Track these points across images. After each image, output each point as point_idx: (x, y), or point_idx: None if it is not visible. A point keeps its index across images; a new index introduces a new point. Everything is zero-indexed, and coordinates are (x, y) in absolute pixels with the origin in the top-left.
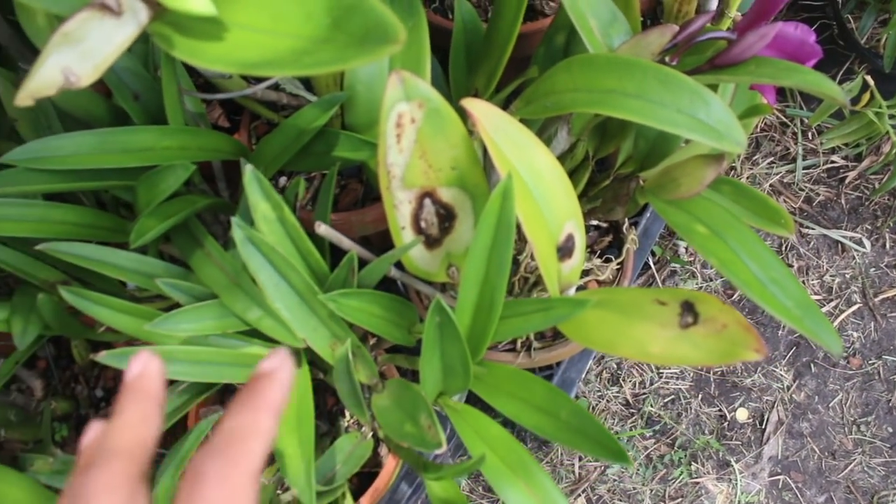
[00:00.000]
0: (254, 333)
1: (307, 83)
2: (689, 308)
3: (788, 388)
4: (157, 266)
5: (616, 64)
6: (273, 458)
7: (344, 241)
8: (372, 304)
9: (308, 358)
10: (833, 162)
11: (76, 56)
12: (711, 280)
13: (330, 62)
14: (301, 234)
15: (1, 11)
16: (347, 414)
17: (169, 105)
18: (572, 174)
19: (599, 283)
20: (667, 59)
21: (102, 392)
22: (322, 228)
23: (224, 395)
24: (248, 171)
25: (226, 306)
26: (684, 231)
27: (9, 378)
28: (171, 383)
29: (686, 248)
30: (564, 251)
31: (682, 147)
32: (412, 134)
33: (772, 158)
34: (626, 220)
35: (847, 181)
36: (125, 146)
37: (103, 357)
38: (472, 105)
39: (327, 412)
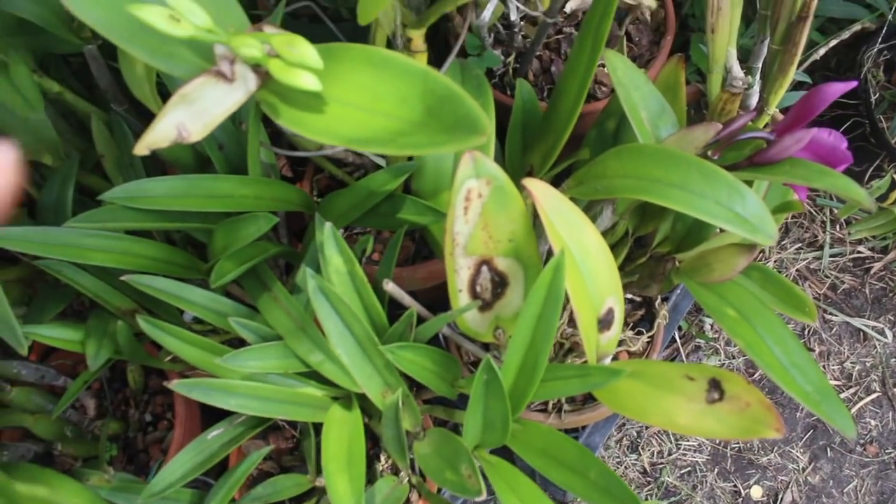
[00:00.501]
0: (311, 375)
1: None
2: (715, 385)
3: (804, 470)
4: (226, 304)
5: (663, 155)
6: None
7: (406, 299)
8: (425, 357)
9: (360, 403)
10: (859, 252)
11: (190, 115)
12: (734, 357)
13: (423, 145)
14: (367, 288)
15: (104, 57)
16: (383, 458)
17: (251, 157)
18: (612, 249)
19: (630, 353)
20: (709, 152)
21: (151, 417)
22: (389, 286)
23: (268, 432)
24: (328, 228)
25: (289, 348)
26: (715, 313)
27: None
28: (229, 414)
29: (711, 325)
30: (604, 323)
31: (716, 234)
32: (478, 207)
33: (800, 244)
34: (659, 296)
35: (872, 272)
36: (209, 192)
37: (175, 385)
38: (534, 185)
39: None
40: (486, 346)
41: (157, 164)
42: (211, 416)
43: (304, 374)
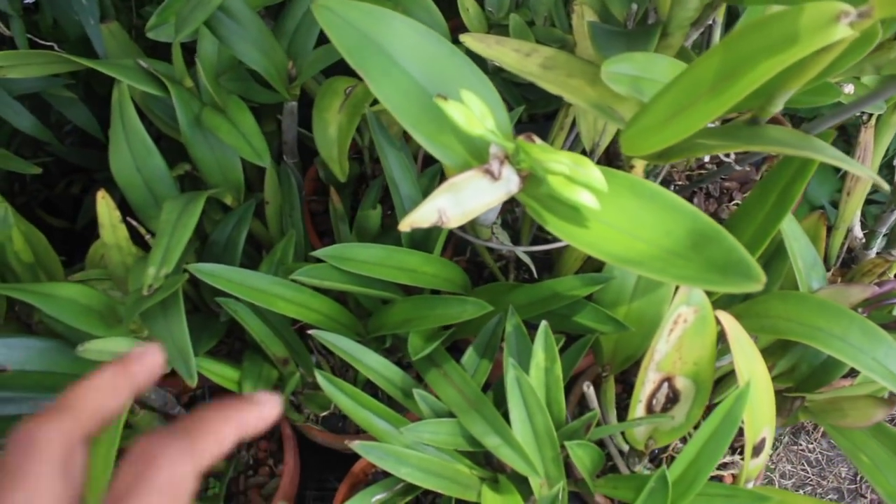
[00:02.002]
0: (465, 454)
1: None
2: None
3: None
4: (397, 373)
5: (826, 308)
6: None
7: (593, 402)
8: (595, 458)
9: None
10: None
11: (452, 203)
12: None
13: (695, 279)
14: (559, 385)
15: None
16: None
17: (442, 238)
18: None
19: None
20: (859, 309)
21: (252, 461)
22: (586, 386)
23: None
24: (543, 327)
25: (462, 426)
26: (850, 454)
27: None
28: (387, 476)
29: None
30: (757, 450)
31: (838, 382)
32: (680, 331)
33: None
34: None
35: None
36: (399, 264)
37: (356, 445)
38: (725, 318)
39: None
40: (631, 451)
41: (322, 220)
42: (307, 470)
43: (464, 452)
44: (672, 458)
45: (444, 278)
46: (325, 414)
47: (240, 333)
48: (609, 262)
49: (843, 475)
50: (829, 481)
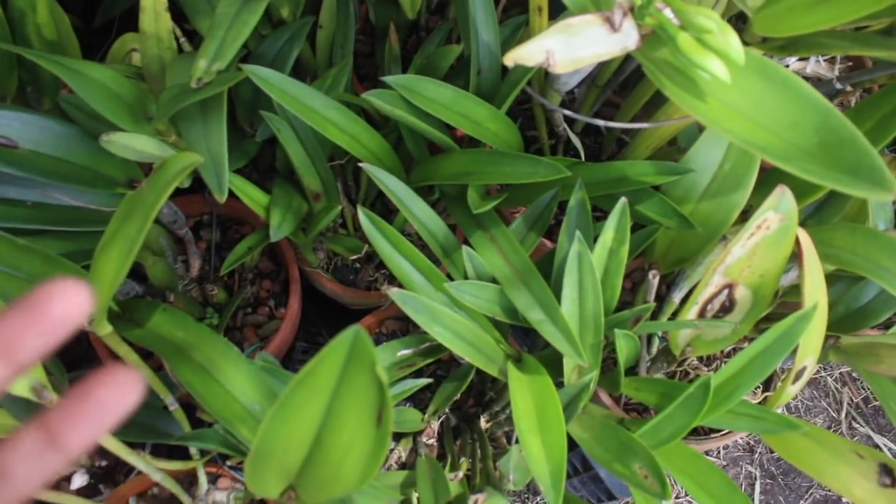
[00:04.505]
0: (496, 325)
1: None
2: (887, 471)
3: None
4: (442, 227)
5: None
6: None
7: (651, 294)
8: (633, 353)
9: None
10: None
11: (563, 46)
12: None
13: (822, 177)
14: (620, 269)
15: None
16: None
17: (513, 96)
18: None
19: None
20: None
21: (253, 299)
22: (651, 276)
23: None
24: (622, 204)
25: (506, 296)
26: (882, 400)
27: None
28: (393, 337)
29: None
30: (797, 376)
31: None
32: (758, 238)
33: None
34: None
35: None
36: (466, 112)
37: (393, 292)
38: (804, 237)
39: None
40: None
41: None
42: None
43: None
44: (686, 374)
45: (503, 139)
46: (335, 263)
47: (263, 163)
48: (736, 142)
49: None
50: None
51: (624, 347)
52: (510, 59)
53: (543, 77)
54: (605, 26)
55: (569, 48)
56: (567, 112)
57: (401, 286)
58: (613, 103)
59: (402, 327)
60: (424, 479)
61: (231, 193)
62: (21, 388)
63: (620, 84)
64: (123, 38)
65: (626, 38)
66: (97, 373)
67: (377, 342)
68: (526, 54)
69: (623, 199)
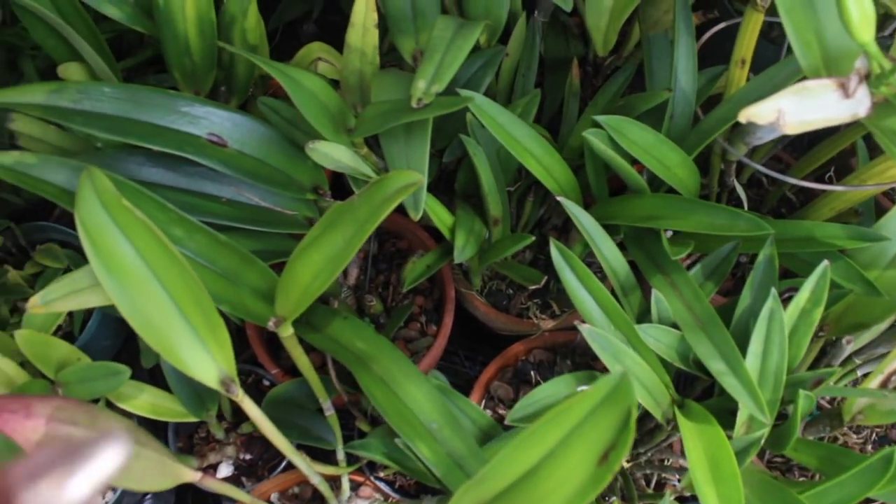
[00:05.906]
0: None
1: None
2: None
3: None
4: (623, 266)
5: None
6: None
7: (839, 358)
8: (807, 412)
9: None
10: None
11: (795, 107)
12: None
13: None
14: (809, 332)
15: None
16: None
17: (701, 142)
18: None
19: None
20: None
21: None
22: (846, 342)
23: None
24: (823, 267)
25: (686, 342)
26: None
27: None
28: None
29: None
30: None
31: None
32: None
33: None
34: None
35: None
36: (661, 157)
37: (584, 328)
38: None
39: None
40: None
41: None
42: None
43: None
44: (835, 438)
45: (686, 185)
46: (490, 288)
47: (440, 184)
48: None
49: None
50: None
51: (803, 408)
52: (744, 115)
53: (730, 128)
54: (838, 91)
55: (800, 110)
56: (761, 167)
57: (581, 321)
58: (778, 158)
59: (549, 358)
60: None
61: None
62: (211, 380)
63: (790, 141)
64: (310, 46)
65: (858, 105)
66: None
67: (524, 370)
68: (759, 112)
69: (825, 262)
